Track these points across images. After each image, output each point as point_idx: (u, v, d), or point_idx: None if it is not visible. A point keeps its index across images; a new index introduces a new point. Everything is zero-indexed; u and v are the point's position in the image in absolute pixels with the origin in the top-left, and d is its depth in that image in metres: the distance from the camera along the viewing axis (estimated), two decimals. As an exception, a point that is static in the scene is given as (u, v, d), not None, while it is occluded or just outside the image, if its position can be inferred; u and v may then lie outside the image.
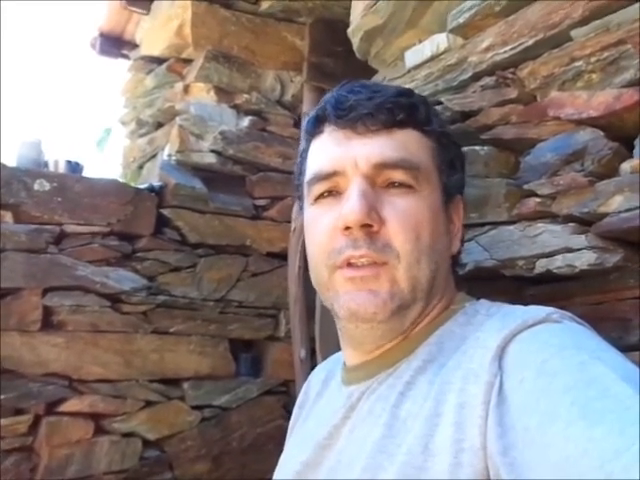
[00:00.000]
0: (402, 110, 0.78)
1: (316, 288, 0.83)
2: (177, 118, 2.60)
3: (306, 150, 0.86)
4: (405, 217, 0.74)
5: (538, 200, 0.99)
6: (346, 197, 0.75)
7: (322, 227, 0.78)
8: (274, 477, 0.89)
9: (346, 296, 0.75)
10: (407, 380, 0.72)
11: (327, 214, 0.78)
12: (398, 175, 0.76)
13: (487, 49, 1.08)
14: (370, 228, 0.73)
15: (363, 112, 0.77)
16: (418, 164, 0.77)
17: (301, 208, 0.90)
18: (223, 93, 2.65)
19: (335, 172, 0.77)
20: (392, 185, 0.76)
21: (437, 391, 0.67)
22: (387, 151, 0.76)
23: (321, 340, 2.22)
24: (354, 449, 0.73)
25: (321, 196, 0.79)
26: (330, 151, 0.79)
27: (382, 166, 0.76)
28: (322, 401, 0.91)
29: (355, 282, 0.74)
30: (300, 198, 0.89)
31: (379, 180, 0.76)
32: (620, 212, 0.87)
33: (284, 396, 2.54)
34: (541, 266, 0.97)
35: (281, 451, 0.94)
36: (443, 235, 0.80)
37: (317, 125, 0.83)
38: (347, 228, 0.73)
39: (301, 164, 0.87)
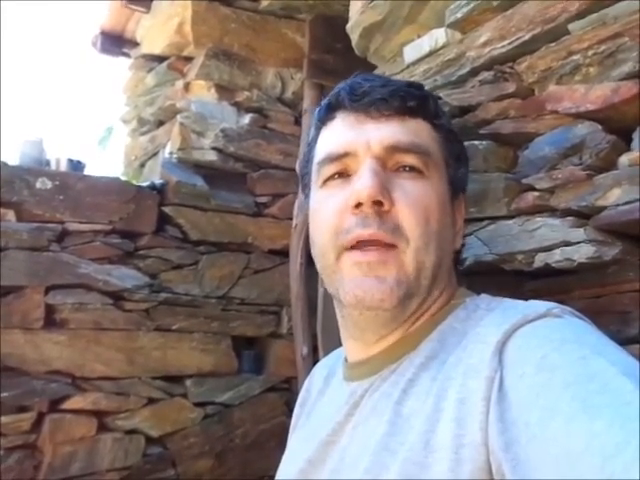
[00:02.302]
0: (414, 99, 0.80)
1: (320, 272, 0.82)
2: (178, 116, 2.60)
3: (315, 139, 0.86)
4: (415, 201, 0.75)
5: (537, 194, 0.99)
6: (358, 176, 0.75)
7: (331, 207, 0.77)
8: (278, 475, 0.89)
9: (352, 282, 0.74)
10: (410, 377, 0.72)
11: (336, 195, 0.77)
12: (409, 159, 0.77)
13: (485, 44, 1.08)
14: (381, 207, 0.73)
15: (377, 97, 0.78)
16: (429, 150, 0.78)
17: (306, 197, 0.90)
18: (224, 91, 2.65)
19: (346, 153, 0.78)
20: (402, 169, 0.77)
21: (438, 387, 0.67)
22: (399, 135, 0.77)
23: (323, 337, 2.22)
24: (358, 447, 0.73)
25: (330, 178, 0.80)
26: (342, 133, 0.80)
27: (394, 149, 0.76)
28: (324, 398, 0.90)
29: (362, 267, 0.74)
30: (306, 186, 0.89)
31: (390, 163, 0.77)
32: (618, 205, 0.87)
33: (286, 393, 2.55)
34: (540, 260, 0.97)
35: (284, 448, 0.94)
36: (449, 226, 0.80)
37: (329, 112, 0.83)
38: (358, 205, 0.73)
39: (309, 152, 0.88)
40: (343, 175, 0.79)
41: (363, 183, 0.73)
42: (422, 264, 0.74)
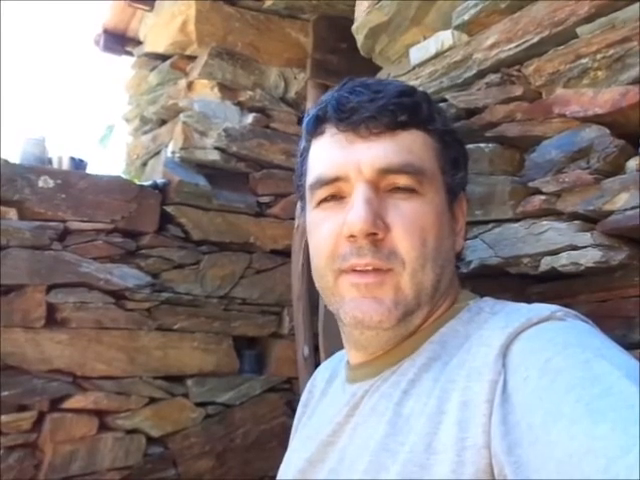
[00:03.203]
0: (405, 111, 0.77)
1: (320, 292, 0.82)
2: (181, 115, 2.60)
3: (307, 150, 0.85)
4: (410, 222, 0.74)
5: (543, 198, 0.98)
6: (350, 204, 0.74)
7: (326, 232, 0.77)
8: (278, 474, 0.89)
9: (351, 303, 0.74)
10: (411, 378, 0.72)
11: (331, 219, 0.77)
12: (402, 180, 0.75)
13: (492, 46, 1.08)
14: (375, 236, 0.72)
15: (365, 115, 0.76)
16: (423, 168, 0.76)
17: (302, 209, 0.89)
18: (227, 90, 2.65)
19: (338, 177, 0.76)
20: (396, 189, 0.75)
21: (441, 389, 0.67)
22: (391, 156, 0.75)
23: (324, 337, 2.22)
24: (357, 447, 0.73)
25: (324, 200, 0.79)
26: (332, 155, 0.78)
27: (386, 171, 0.75)
28: (326, 399, 0.91)
29: (360, 289, 0.74)
30: (302, 199, 0.88)
31: (383, 184, 0.75)
32: (626, 210, 0.87)
33: (287, 393, 2.55)
34: (546, 264, 0.97)
35: (284, 448, 0.94)
36: (448, 236, 0.79)
37: (318, 125, 0.81)
38: (352, 236, 0.73)
39: (302, 164, 0.86)
40: (336, 197, 0.78)
41: (355, 216, 0.72)
42: (420, 285, 0.74)
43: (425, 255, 0.74)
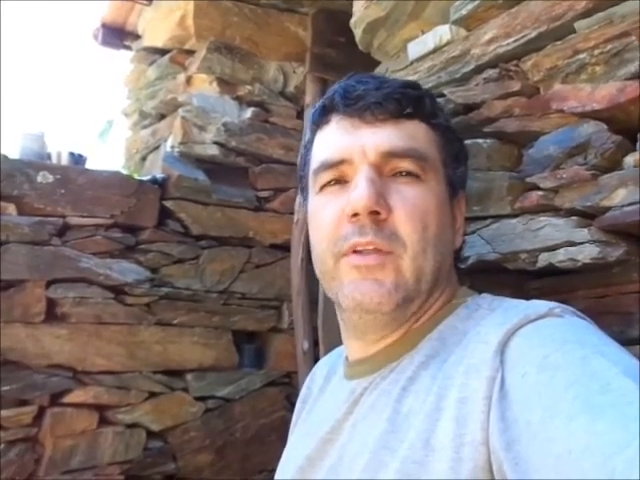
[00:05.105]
0: (410, 101, 0.79)
1: (319, 278, 0.83)
2: (180, 110, 2.59)
3: (311, 141, 0.86)
4: (412, 206, 0.74)
5: (541, 193, 0.98)
6: (354, 184, 0.75)
7: (328, 214, 0.77)
8: (278, 470, 0.89)
9: (351, 286, 0.74)
10: (409, 375, 0.72)
11: (333, 202, 0.77)
12: (406, 164, 0.76)
13: (490, 41, 1.08)
14: (378, 215, 0.73)
15: (371, 101, 0.77)
16: (426, 154, 0.78)
17: (304, 199, 0.90)
18: (226, 84, 2.64)
19: (342, 160, 0.77)
20: (399, 174, 0.76)
21: (439, 386, 0.67)
22: (395, 140, 0.76)
23: (324, 332, 2.23)
24: (357, 444, 0.73)
25: (327, 185, 0.79)
26: (338, 140, 0.79)
27: (390, 155, 0.76)
28: (325, 396, 0.91)
29: (360, 270, 0.74)
30: (304, 189, 0.89)
31: (386, 169, 0.76)
32: (623, 206, 0.87)
33: (287, 387, 2.55)
34: (543, 260, 0.97)
35: (284, 442, 0.94)
36: (448, 227, 0.80)
37: (324, 115, 0.83)
38: (355, 215, 0.73)
39: (306, 155, 0.88)
40: (340, 181, 0.78)
41: (359, 193, 0.72)
42: (421, 270, 0.74)
43: (426, 239, 0.74)
